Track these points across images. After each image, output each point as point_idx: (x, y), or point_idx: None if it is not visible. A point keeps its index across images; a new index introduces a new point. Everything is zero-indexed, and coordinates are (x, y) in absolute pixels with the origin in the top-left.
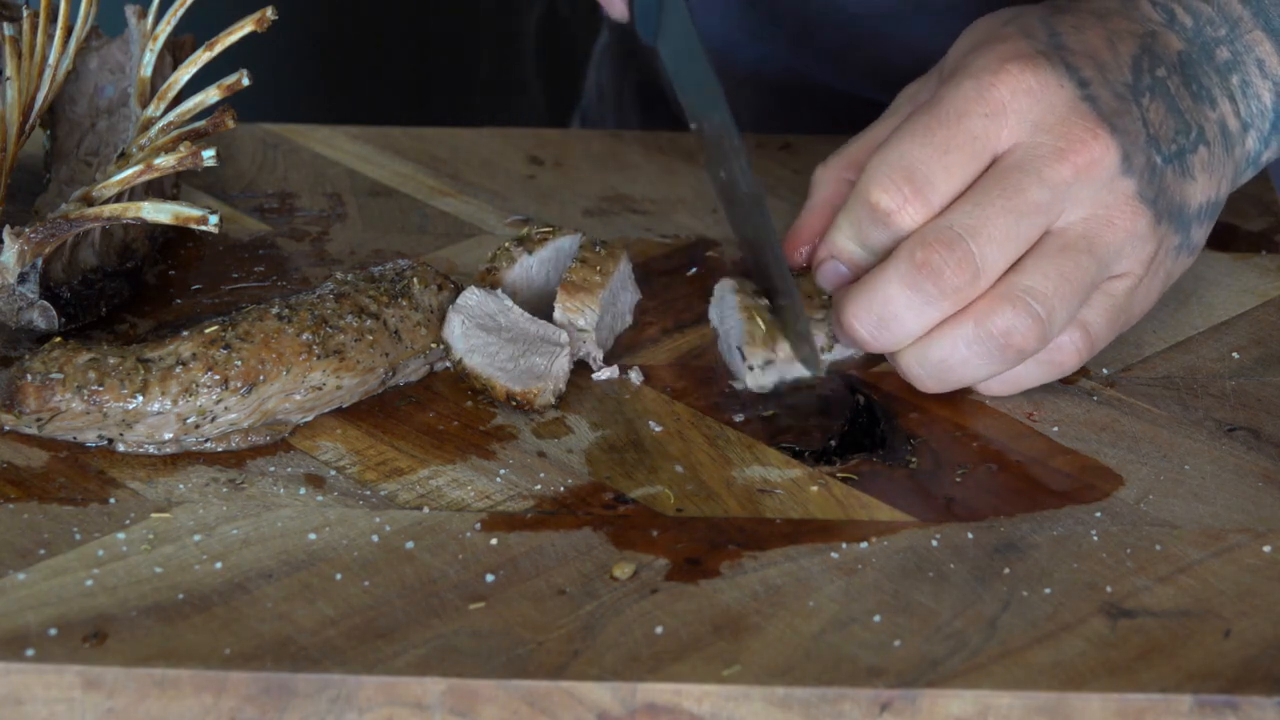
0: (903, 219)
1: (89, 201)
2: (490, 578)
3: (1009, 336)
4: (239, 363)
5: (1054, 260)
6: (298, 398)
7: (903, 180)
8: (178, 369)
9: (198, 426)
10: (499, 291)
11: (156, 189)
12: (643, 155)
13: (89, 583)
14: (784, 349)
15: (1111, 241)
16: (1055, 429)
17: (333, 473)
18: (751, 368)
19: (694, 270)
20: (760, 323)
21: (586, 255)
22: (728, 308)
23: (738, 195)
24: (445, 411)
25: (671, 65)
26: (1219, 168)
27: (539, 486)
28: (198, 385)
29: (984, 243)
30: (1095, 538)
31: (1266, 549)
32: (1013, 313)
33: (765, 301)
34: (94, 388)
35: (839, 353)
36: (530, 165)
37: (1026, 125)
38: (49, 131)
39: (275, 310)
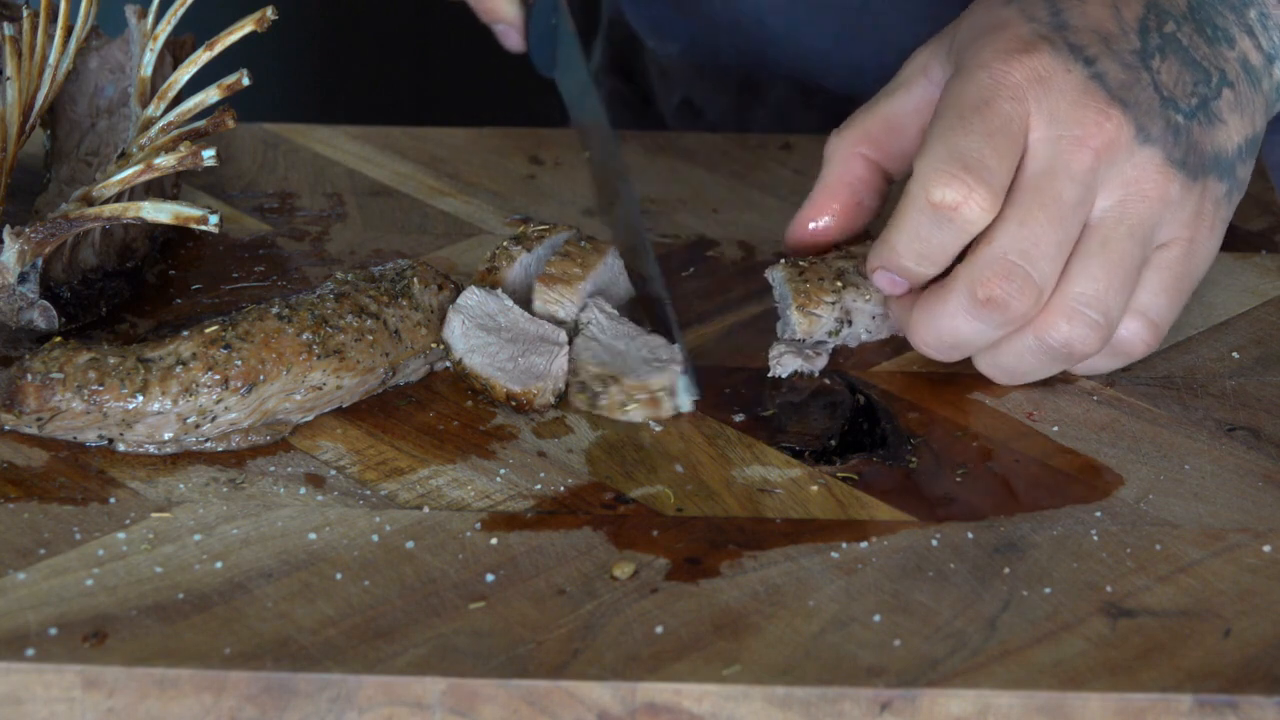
0: (969, 209)
1: (89, 201)
2: (490, 577)
3: (1070, 346)
4: (239, 362)
5: (1098, 258)
6: (298, 397)
7: (961, 170)
8: (178, 369)
9: (198, 426)
10: (499, 291)
11: (156, 189)
12: (643, 155)
13: (89, 582)
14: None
15: (1146, 216)
16: (1055, 429)
17: (333, 472)
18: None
19: (693, 270)
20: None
21: (570, 250)
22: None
23: (626, 225)
24: (445, 411)
25: (568, 96)
26: (1248, 105)
27: (539, 486)
28: (198, 385)
29: (1039, 261)
30: (1095, 537)
31: (1266, 549)
32: (1069, 326)
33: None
34: (94, 387)
35: (848, 337)
36: (530, 165)
37: (1044, 115)
38: (49, 131)
39: (275, 310)
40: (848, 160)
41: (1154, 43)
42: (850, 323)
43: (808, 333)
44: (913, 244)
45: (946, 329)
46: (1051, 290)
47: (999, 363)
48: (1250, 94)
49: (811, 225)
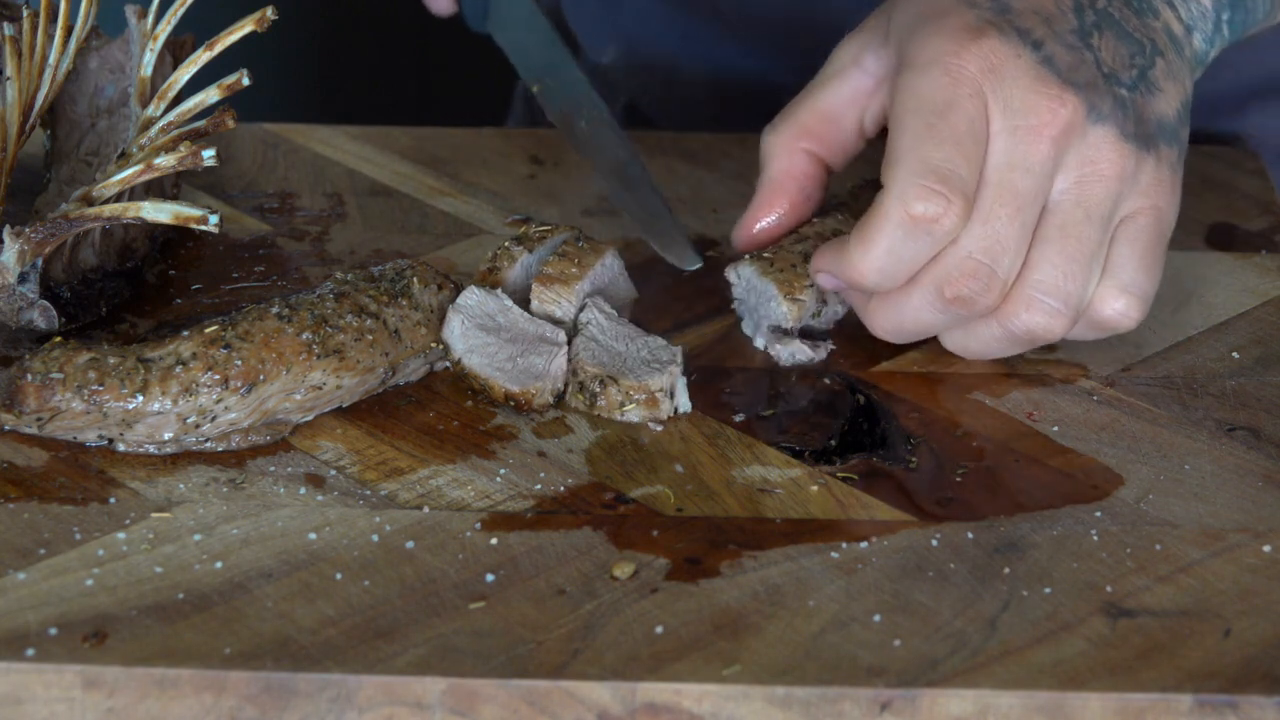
0: (947, 220)
1: (89, 201)
2: (490, 577)
3: (1032, 333)
4: (239, 362)
5: (1055, 244)
6: (298, 397)
7: (937, 183)
8: (178, 368)
9: (198, 426)
10: (498, 291)
11: (156, 189)
12: (642, 155)
13: (89, 582)
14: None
15: (1104, 195)
16: (1055, 428)
17: (333, 472)
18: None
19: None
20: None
21: (568, 250)
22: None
23: (599, 137)
24: (445, 411)
25: (507, 41)
26: (1178, 71)
27: (539, 486)
28: (198, 385)
29: (1001, 256)
30: (1095, 537)
31: (1266, 549)
32: (1028, 314)
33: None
34: (94, 387)
35: (826, 315)
36: (530, 165)
37: (999, 106)
38: (49, 131)
39: (275, 310)
40: (791, 156)
41: (1089, 20)
42: (826, 301)
43: (797, 319)
44: (885, 258)
45: (909, 320)
46: (1013, 279)
47: (966, 346)
48: (1177, 61)
49: (761, 224)
